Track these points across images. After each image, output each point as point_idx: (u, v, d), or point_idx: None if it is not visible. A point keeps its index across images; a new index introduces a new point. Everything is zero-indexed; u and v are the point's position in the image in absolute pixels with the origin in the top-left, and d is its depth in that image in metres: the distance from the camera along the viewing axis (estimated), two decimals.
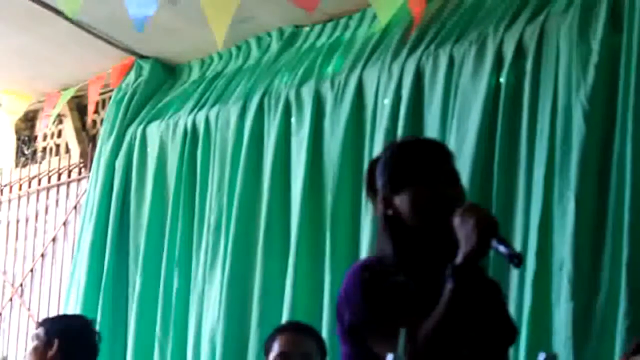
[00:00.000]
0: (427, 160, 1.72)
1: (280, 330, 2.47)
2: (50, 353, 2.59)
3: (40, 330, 2.65)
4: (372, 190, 1.78)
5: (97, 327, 2.81)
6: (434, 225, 1.69)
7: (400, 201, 1.70)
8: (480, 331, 1.63)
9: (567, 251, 2.31)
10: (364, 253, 2.76)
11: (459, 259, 1.59)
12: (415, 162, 1.72)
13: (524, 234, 2.42)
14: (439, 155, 1.75)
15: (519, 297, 2.36)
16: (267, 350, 2.44)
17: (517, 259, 1.57)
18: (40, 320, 2.78)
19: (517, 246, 2.36)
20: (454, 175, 1.74)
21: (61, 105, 3.99)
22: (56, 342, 2.60)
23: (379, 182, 1.75)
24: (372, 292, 1.65)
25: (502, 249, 1.57)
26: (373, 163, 1.79)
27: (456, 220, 1.62)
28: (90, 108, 3.92)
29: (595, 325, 2.24)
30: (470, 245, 1.58)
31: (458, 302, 1.57)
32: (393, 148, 1.79)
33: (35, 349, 2.62)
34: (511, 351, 2.24)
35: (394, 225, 1.71)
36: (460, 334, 1.58)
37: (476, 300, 1.60)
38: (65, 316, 3.12)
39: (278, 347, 2.41)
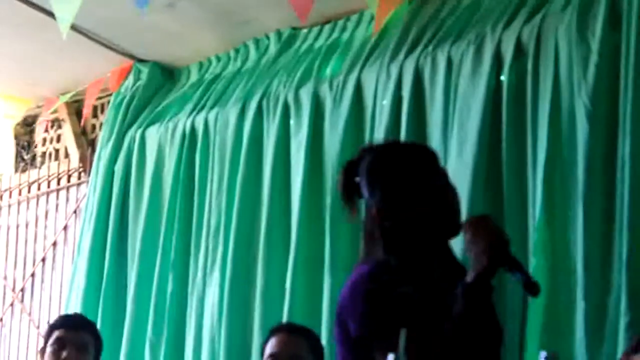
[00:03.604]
0: (422, 170, 1.71)
1: (273, 331, 2.46)
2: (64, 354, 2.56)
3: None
4: (349, 196, 1.75)
5: None
6: (440, 231, 1.69)
7: (401, 213, 1.68)
8: (482, 338, 1.63)
9: (577, 252, 2.28)
10: None
11: (469, 277, 1.59)
12: (411, 174, 1.70)
13: (533, 235, 2.39)
14: (430, 162, 1.74)
15: (528, 301, 2.34)
16: (263, 352, 2.44)
17: (534, 287, 1.57)
18: (57, 321, 2.73)
19: (529, 249, 2.34)
20: (447, 179, 1.74)
21: (56, 106, 3.97)
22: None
23: (368, 192, 1.72)
24: (379, 304, 1.63)
25: (516, 274, 1.58)
26: (349, 168, 1.76)
27: (467, 235, 1.63)
28: (87, 112, 3.90)
29: (608, 325, 2.22)
30: (481, 265, 1.58)
31: (468, 320, 1.58)
32: (378, 156, 1.76)
33: (54, 352, 2.57)
34: (518, 356, 2.23)
35: (392, 236, 1.69)
36: (470, 349, 1.59)
37: (486, 318, 1.61)
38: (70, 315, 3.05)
39: (269, 348, 2.41)
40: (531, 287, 1.57)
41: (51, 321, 2.76)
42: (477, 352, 1.61)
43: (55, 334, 2.59)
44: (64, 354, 2.54)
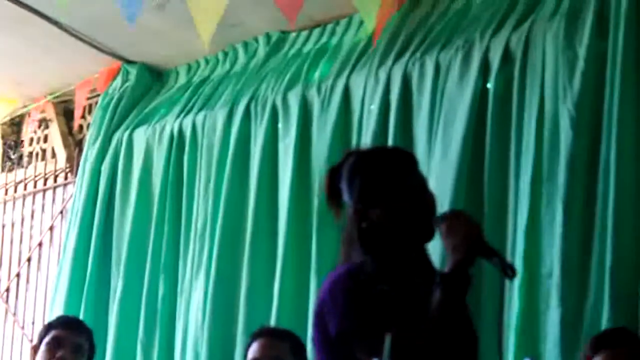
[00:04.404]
0: (399, 172, 1.74)
1: (254, 336, 2.46)
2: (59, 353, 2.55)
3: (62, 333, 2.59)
4: (334, 200, 1.78)
5: None
6: (415, 234, 1.71)
7: (377, 214, 1.71)
8: (460, 338, 1.65)
9: (555, 257, 2.29)
10: None
11: (447, 268, 1.62)
12: (387, 174, 1.73)
13: (512, 238, 2.41)
14: (408, 165, 1.77)
15: (507, 303, 2.34)
16: (245, 357, 2.43)
17: (511, 272, 1.61)
18: (53, 321, 2.72)
19: (507, 251, 2.35)
20: (424, 182, 1.76)
21: (49, 110, 3.97)
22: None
23: (348, 194, 1.76)
24: (358, 301, 1.65)
25: (494, 260, 1.62)
26: (333, 171, 1.80)
27: (443, 228, 1.66)
28: (78, 113, 3.90)
29: (584, 330, 2.22)
30: (459, 255, 1.61)
31: (447, 310, 1.60)
32: (358, 158, 1.80)
33: (49, 350, 2.56)
34: (497, 358, 2.23)
35: (368, 237, 1.71)
36: (448, 340, 1.60)
37: (463, 308, 1.63)
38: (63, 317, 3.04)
39: (251, 353, 2.41)
40: (508, 270, 1.61)
41: (48, 320, 2.76)
42: (456, 343, 1.62)
43: (53, 332, 2.59)
44: (60, 353, 2.53)
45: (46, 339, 2.57)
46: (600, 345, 2.05)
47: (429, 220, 1.70)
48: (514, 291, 2.33)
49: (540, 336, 2.28)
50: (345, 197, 1.75)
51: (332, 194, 1.78)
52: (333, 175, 1.78)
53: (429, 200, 1.74)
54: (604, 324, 2.17)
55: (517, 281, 2.28)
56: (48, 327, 2.63)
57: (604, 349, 2.04)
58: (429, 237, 1.72)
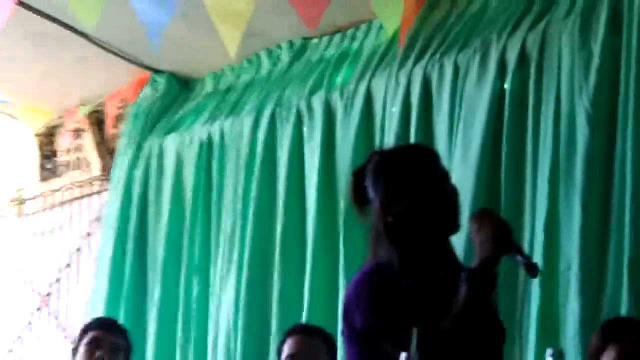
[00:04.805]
0: (422, 166, 1.76)
1: (289, 333, 2.50)
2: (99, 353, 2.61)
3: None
4: (360, 200, 1.81)
5: None
6: (440, 227, 1.73)
7: (402, 208, 1.73)
8: (486, 332, 1.67)
9: (574, 251, 2.31)
10: None
11: (475, 264, 1.64)
12: (411, 169, 1.75)
13: (531, 235, 2.43)
14: (431, 159, 1.79)
15: (527, 296, 2.37)
16: (279, 353, 2.47)
17: (535, 270, 1.65)
18: (91, 323, 2.79)
19: (525, 247, 2.36)
20: (447, 176, 1.78)
21: (82, 120, 4.01)
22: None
23: (373, 191, 1.77)
24: (383, 297, 1.68)
25: (519, 259, 1.64)
26: (358, 173, 1.82)
27: (472, 225, 1.68)
28: (109, 122, 3.94)
29: (602, 321, 2.23)
30: (487, 252, 1.63)
31: (473, 305, 1.61)
32: (382, 157, 1.83)
33: (88, 351, 2.61)
34: (520, 349, 2.28)
35: (394, 231, 1.73)
36: (474, 334, 1.62)
37: (489, 303, 1.65)
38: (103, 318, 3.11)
39: (287, 349, 2.45)
40: (532, 269, 1.64)
41: (86, 323, 2.80)
42: (482, 338, 1.64)
43: (91, 334, 2.63)
44: (98, 353, 2.58)
45: (85, 340, 2.62)
46: (611, 336, 2.03)
47: (453, 213, 1.72)
48: (535, 286, 2.34)
49: (560, 329, 2.29)
50: (371, 194, 1.76)
51: (358, 194, 1.80)
52: (358, 176, 1.81)
53: (452, 193, 1.75)
54: (623, 316, 2.18)
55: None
56: (86, 329, 2.68)
57: (616, 339, 2.02)
58: (454, 230, 1.74)
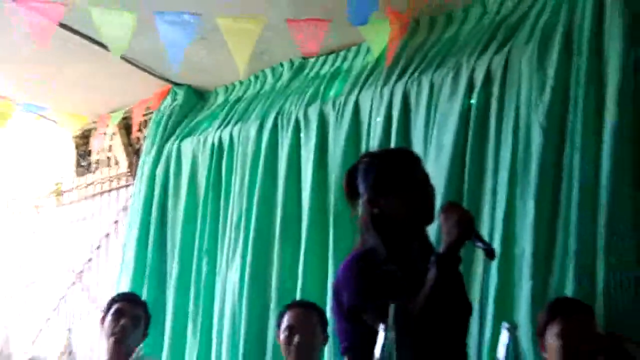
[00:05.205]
0: (406, 167, 1.75)
1: (288, 307, 2.48)
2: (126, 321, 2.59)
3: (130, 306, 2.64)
4: (352, 195, 1.80)
5: None
6: (420, 220, 1.72)
7: (388, 202, 1.72)
8: (453, 308, 1.66)
9: (527, 240, 2.32)
10: None
11: (442, 248, 1.63)
12: (396, 169, 1.74)
13: (491, 225, 2.43)
14: (414, 161, 1.79)
15: (486, 278, 2.37)
16: (278, 324, 2.46)
17: (492, 254, 1.64)
18: (116, 296, 2.77)
19: (486, 236, 2.36)
20: (427, 176, 1.77)
21: (112, 125, 4.00)
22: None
23: (363, 186, 1.77)
24: (367, 279, 1.68)
25: (479, 244, 1.63)
26: (351, 172, 1.81)
27: (442, 216, 1.67)
28: (135, 127, 3.93)
29: (550, 300, 2.23)
30: (452, 238, 1.62)
31: (440, 283, 1.60)
32: (371, 157, 1.82)
33: (113, 320, 2.59)
34: (479, 322, 2.26)
35: (379, 222, 1.72)
36: (442, 309, 1.61)
37: (454, 282, 1.64)
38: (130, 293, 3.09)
39: (286, 321, 2.43)
40: (490, 253, 1.63)
41: (112, 296, 2.78)
42: (449, 314, 1.63)
43: (115, 305, 2.63)
44: (122, 321, 2.57)
45: (111, 311, 2.61)
46: (557, 312, 2.04)
47: (432, 209, 1.71)
48: (493, 269, 2.35)
49: (514, 305, 2.29)
50: (361, 189, 1.76)
51: (350, 189, 1.80)
52: (350, 174, 1.80)
53: (430, 191, 1.75)
54: (567, 296, 2.18)
55: (495, 260, 2.30)
56: (112, 301, 2.67)
57: (561, 316, 2.03)
58: (429, 221, 1.73)
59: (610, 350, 2.01)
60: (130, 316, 2.60)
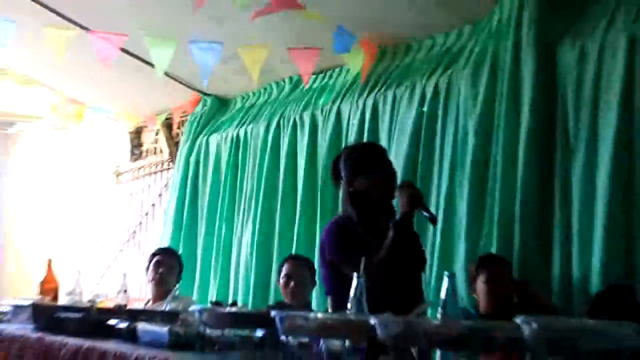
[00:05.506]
0: (374, 155, 1.76)
1: (286, 259, 2.48)
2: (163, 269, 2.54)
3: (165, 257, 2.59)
4: (336, 179, 1.80)
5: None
6: (385, 196, 1.72)
7: (360, 182, 1.72)
8: (408, 260, 1.67)
9: (463, 211, 2.33)
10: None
11: (397, 217, 1.65)
12: (367, 157, 1.75)
13: (436, 201, 2.44)
14: (380, 152, 1.80)
15: (432, 240, 2.38)
16: (279, 272, 2.45)
17: (435, 221, 1.68)
18: (156, 250, 2.73)
19: (432, 208, 2.37)
20: (390, 163, 1.78)
21: (158, 124, 3.97)
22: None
23: (343, 170, 1.77)
24: (344, 239, 1.69)
25: (425, 214, 1.64)
26: (335, 161, 1.82)
27: (398, 193, 1.69)
28: (175, 126, 3.91)
29: (479, 255, 2.24)
30: (404, 209, 1.65)
31: (397, 242, 1.62)
32: (350, 149, 1.84)
33: (154, 269, 2.55)
34: (429, 272, 2.26)
35: (354, 197, 1.73)
36: (399, 261, 1.62)
37: (407, 241, 1.66)
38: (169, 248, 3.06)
39: (284, 270, 2.42)
40: (434, 221, 1.67)
41: (152, 251, 2.77)
42: (404, 263, 1.64)
43: (156, 257, 2.62)
44: (161, 269, 2.56)
45: (152, 262, 2.60)
46: (484, 264, 2.08)
47: (393, 187, 1.72)
48: (437, 232, 2.36)
49: (453, 260, 2.31)
50: (342, 173, 1.76)
51: (335, 173, 1.80)
52: (335, 162, 1.81)
53: (393, 174, 1.76)
54: (492, 253, 2.19)
55: (439, 226, 2.33)
56: (153, 254, 2.67)
57: (487, 267, 2.07)
58: (391, 197, 1.74)
59: (521, 292, 2.06)
60: (167, 266, 2.59)
